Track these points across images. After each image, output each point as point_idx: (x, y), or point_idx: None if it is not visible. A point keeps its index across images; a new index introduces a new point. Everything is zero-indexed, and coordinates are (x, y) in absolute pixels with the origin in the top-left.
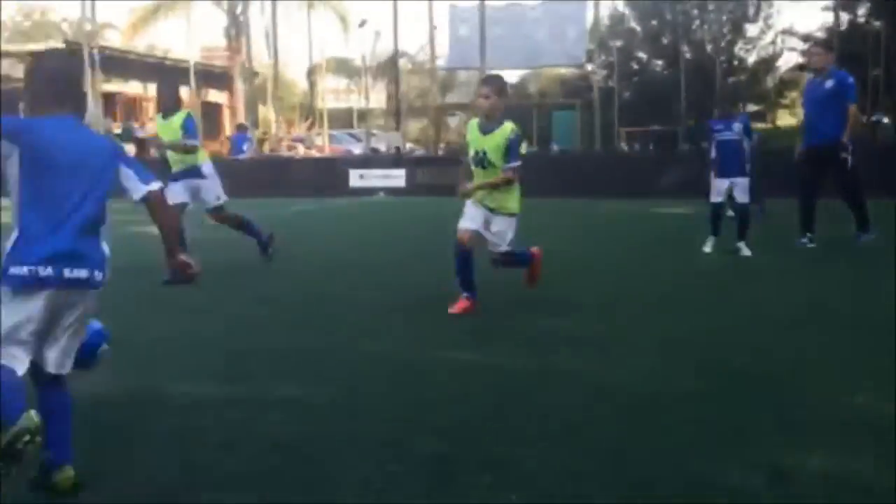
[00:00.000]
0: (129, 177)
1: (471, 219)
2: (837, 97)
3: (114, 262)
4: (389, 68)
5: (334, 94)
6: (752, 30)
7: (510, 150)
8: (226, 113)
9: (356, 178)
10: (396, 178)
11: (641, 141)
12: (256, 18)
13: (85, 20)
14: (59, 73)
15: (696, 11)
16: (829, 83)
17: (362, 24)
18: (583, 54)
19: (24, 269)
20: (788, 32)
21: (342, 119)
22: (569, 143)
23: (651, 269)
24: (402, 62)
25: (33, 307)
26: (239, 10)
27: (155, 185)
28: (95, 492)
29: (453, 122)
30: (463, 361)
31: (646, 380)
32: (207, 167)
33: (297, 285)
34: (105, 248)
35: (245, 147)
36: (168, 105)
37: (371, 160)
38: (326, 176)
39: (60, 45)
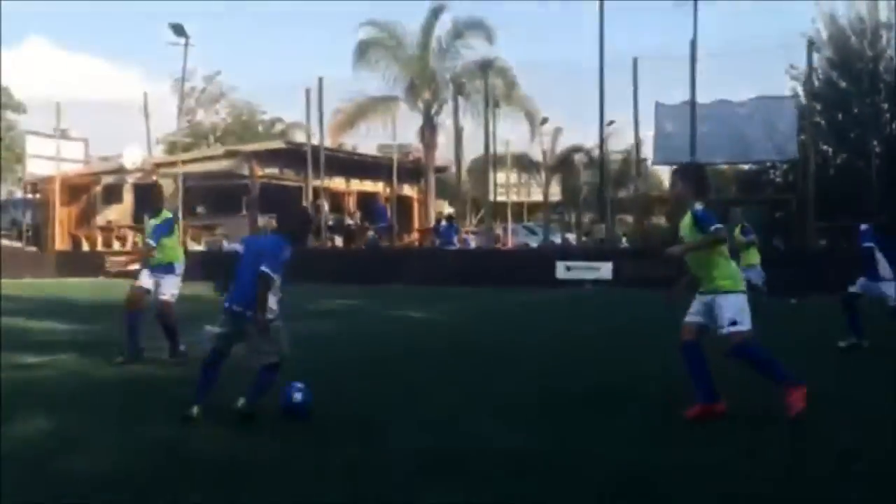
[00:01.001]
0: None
1: (691, 312)
2: None
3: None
4: (567, 162)
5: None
6: None
7: (700, 220)
8: (416, 206)
9: (563, 270)
10: (604, 270)
11: (830, 237)
12: (448, 117)
13: (308, 128)
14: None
15: (885, 105)
16: None
17: (544, 121)
18: (795, 149)
19: (226, 304)
20: None
21: (514, 212)
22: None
23: None
24: (578, 157)
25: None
26: (434, 111)
27: (263, 270)
28: None
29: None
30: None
31: None
32: (179, 267)
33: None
34: (273, 301)
35: (454, 238)
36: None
37: (577, 252)
38: (534, 267)
39: (282, 145)
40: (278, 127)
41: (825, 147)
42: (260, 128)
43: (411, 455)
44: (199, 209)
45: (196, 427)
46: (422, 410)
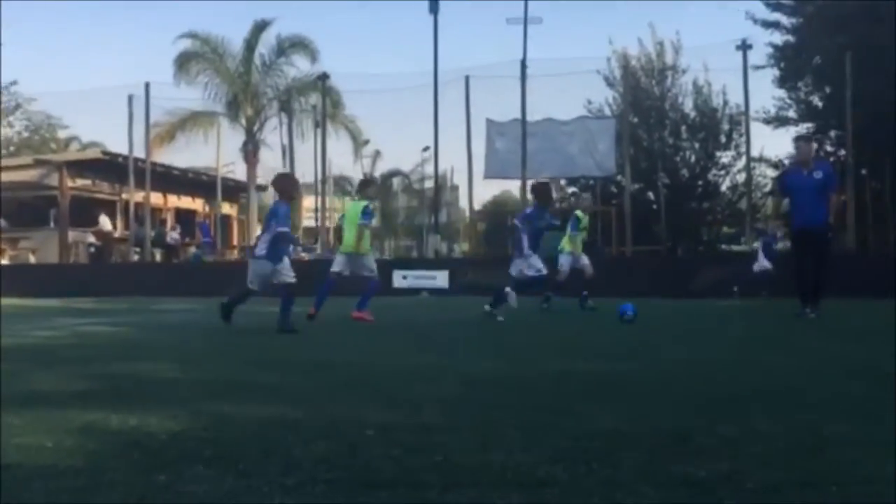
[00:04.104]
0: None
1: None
2: (825, 187)
3: None
4: (385, 186)
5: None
6: (724, 157)
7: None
8: (235, 224)
9: (400, 279)
10: (439, 278)
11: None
12: (271, 135)
13: (130, 136)
14: (284, 182)
15: (671, 140)
16: (818, 174)
17: (365, 143)
18: (613, 167)
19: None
20: (759, 160)
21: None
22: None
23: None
24: (396, 180)
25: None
26: (256, 127)
27: (281, 229)
28: None
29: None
30: None
31: None
32: None
33: None
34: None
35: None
36: None
37: (414, 262)
38: None
39: (101, 156)
40: (73, 147)
41: (619, 177)
42: (53, 145)
43: None
44: (2, 222)
45: None
46: None
